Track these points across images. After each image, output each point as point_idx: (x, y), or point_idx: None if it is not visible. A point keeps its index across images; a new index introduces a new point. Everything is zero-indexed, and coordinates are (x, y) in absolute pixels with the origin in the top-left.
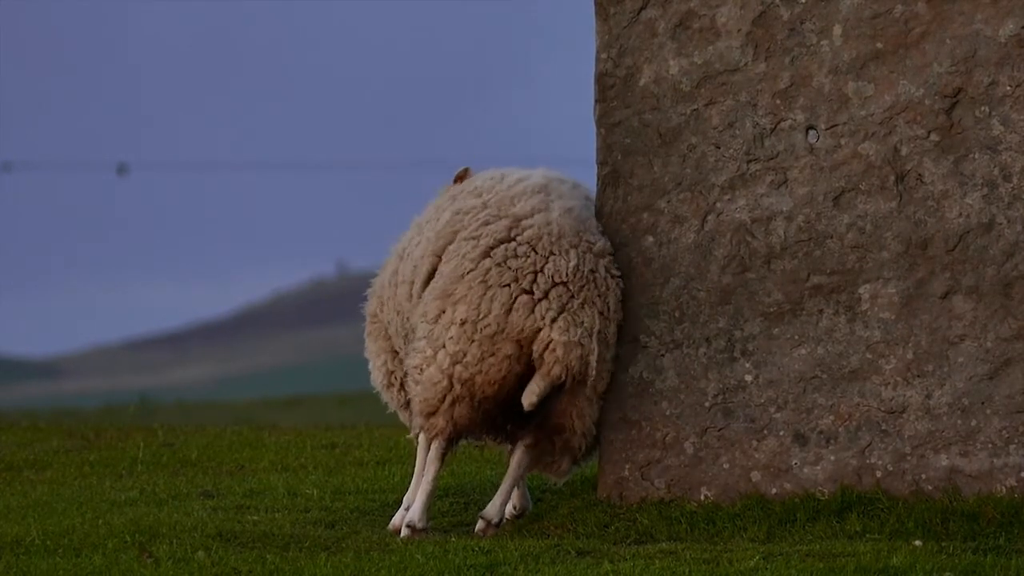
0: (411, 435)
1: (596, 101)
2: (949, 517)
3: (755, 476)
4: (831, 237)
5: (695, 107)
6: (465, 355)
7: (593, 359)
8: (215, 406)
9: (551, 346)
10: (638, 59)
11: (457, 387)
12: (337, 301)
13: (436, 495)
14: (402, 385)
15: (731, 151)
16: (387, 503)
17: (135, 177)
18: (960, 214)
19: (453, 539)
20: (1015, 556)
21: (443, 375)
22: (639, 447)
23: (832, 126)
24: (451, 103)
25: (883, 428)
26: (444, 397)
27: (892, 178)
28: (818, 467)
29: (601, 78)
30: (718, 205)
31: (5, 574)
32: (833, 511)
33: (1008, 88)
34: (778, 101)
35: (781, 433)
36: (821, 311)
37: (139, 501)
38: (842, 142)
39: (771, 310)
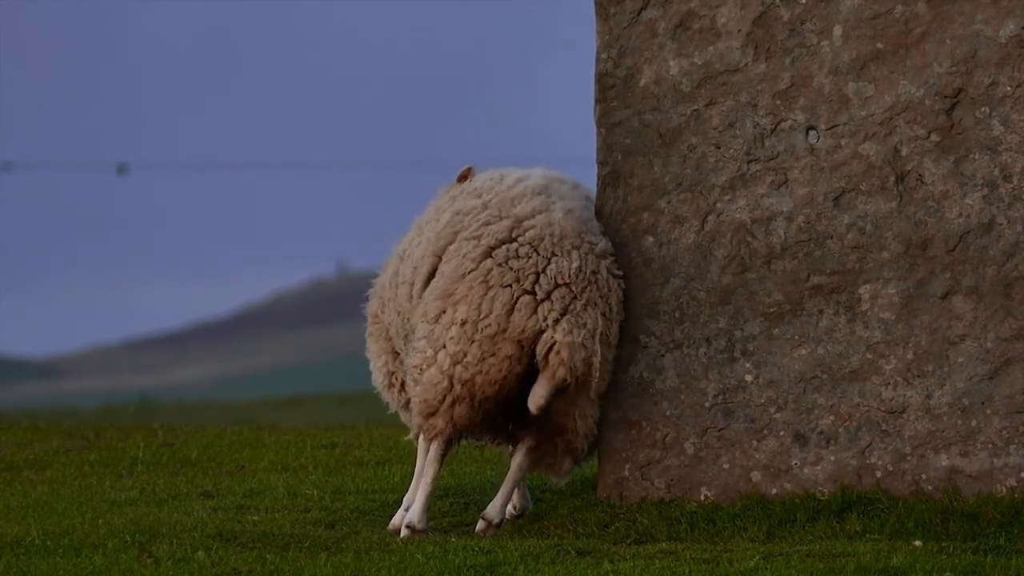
0: (410, 436)
1: (596, 101)
2: (949, 517)
3: (755, 476)
4: (831, 237)
5: (695, 107)
6: (465, 355)
7: (596, 360)
8: (215, 406)
9: (555, 348)
10: (638, 59)
11: (457, 387)
12: (337, 301)
13: (436, 495)
14: (403, 386)
15: (731, 151)
16: (387, 503)
17: (135, 177)
18: (960, 214)
19: (453, 539)
20: (1015, 556)
21: (443, 375)
22: (639, 447)
23: (832, 126)
24: (451, 103)
25: (883, 428)
26: (444, 397)
27: (892, 178)
28: (818, 467)
29: (601, 78)
30: (718, 205)
31: (5, 574)
32: (833, 511)
33: (1008, 88)
34: (778, 101)
35: (781, 433)
36: (821, 311)
37: (139, 501)
38: (842, 142)
39: (771, 310)
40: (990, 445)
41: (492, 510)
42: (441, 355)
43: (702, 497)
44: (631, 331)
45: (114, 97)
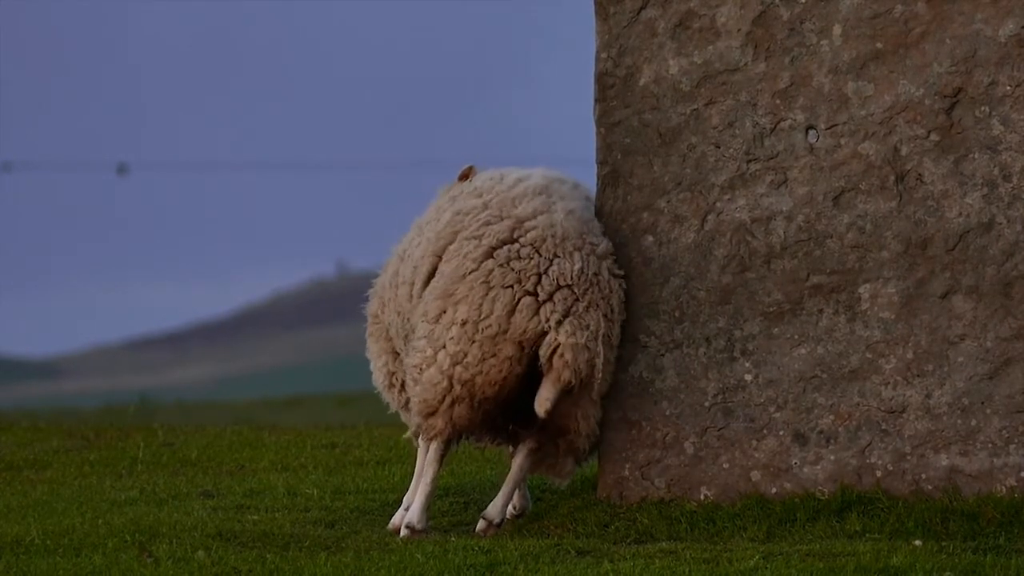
0: (409, 435)
1: (596, 101)
2: (949, 517)
3: (755, 476)
4: (831, 237)
5: (695, 107)
6: (466, 356)
7: (599, 362)
8: (215, 406)
9: (559, 350)
10: (638, 59)
11: (457, 388)
12: (337, 301)
13: (435, 495)
14: (403, 386)
15: (731, 151)
16: (387, 503)
17: (135, 177)
18: (960, 214)
19: (453, 539)
20: (1015, 556)
21: (443, 376)
22: (639, 447)
23: (832, 126)
24: (451, 103)
25: (883, 428)
26: (444, 398)
27: (892, 178)
28: (818, 467)
29: (601, 78)
30: (718, 205)
31: (5, 574)
32: (833, 511)
33: (1008, 88)
34: (778, 101)
35: (781, 433)
36: (821, 311)
37: (139, 501)
38: (842, 142)
39: (771, 310)
40: (990, 445)
41: (493, 510)
42: (441, 355)
43: (702, 497)
44: (631, 331)
45: (114, 97)
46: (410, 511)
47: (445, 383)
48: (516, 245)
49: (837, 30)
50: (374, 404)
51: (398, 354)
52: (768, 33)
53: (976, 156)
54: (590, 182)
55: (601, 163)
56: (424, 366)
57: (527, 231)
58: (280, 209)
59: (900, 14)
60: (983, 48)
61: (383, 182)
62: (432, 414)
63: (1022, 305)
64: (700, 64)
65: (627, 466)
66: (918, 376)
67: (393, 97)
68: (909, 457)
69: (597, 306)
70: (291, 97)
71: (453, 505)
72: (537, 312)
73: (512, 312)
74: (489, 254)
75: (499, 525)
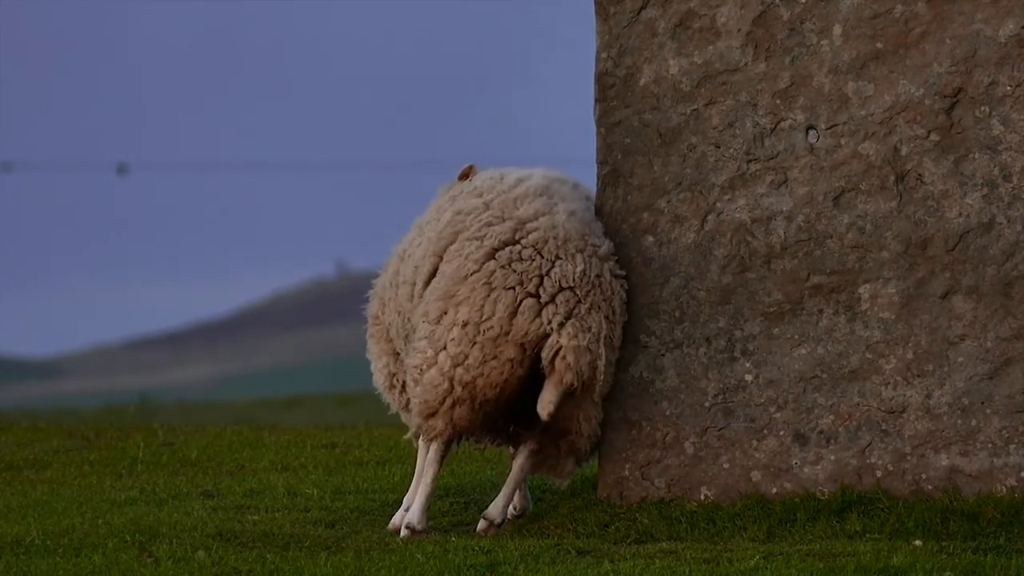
0: (409, 435)
1: (596, 101)
2: (949, 517)
3: (755, 476)
4: (831, 237)
5: (695, 107)
6: (467, 357)
7: (600, 364)
8: (215, 406)
9: (562, 353)
10: (638, 59)
11: (458, 389)
12: (337, 301)
13: (435, 496)
14: (404, 387)
15: (731, 151)
16: (387, 503)
17: (135, 177)
18: (960, 214)
19: (453, 539)
20: (1015, 556)
21: (443, 377)
22: (639, 447)
23: (832, 126)
24: (451, 103)
25: (883, 428)
26: (444, 399)
27: (892, 178)
28: (818, 467)
29: (601, 78)
30: (718, 205)
31: (5, 574)
32: (833, 511)
33: (1008, 88)
34: (778, 101)
35: (781, 433)
36: (821, 311)
37: (139, 501)
38: (842, 142)
39: (771, 310)
40: (990, 445)
41: (494, 510)
42: (442, 356)
43: (702, 497)
44: (631, 331)
45: (114, 97)
46: (410, 511)
47: (446, 385)
48: (518, 246)
49: (837, 30)
50: (374, 404)
51: (399, 355)
52: (768, 33)
53: (976, 156)
54: (590, 182)
55: (601, 163)
56: (425, 367)
57: (529, 232)
58: (280, 209)
59: (900, 14)
60: (983, 48)
61: (383, 182)
62: (432, 415)
63: (1022, 305)
64: (700, 64)
65: (627, 466)
66: (918, 376)
67: (393, 97)
68: (909, 457)
69: (599, 308)
70: (291, 97)
71: (453, 505)
72: (539, 314)
73: (514, 314)
74: (491, 255)
75: (500, 525)
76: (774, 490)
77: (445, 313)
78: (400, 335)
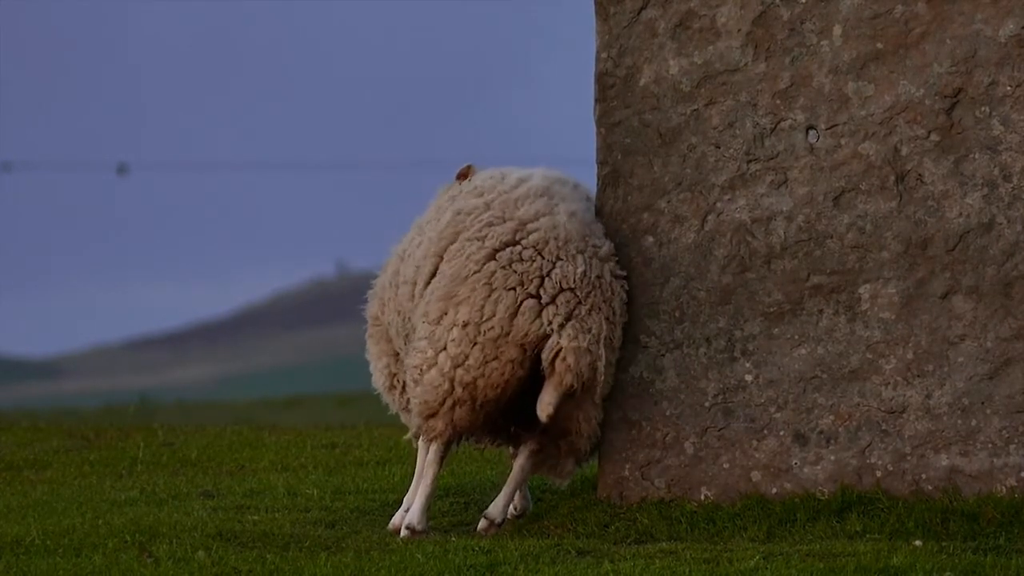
0: (409, 436)
1: (596, 101)
2: (949, 517)
3: (755, 476)
4: (831, 237)
5: (695, 107)
6: (467, 358)
7: (601, 365)
8: (215, 406)
9: (562, 354)
10: (638, 59)
11: (458, 390)
12: (337, 301)
13: (435, 496)
14: (404, 387)
15: (731, 151)
16: (387, 503)
17: (135, 177)
18: (960, 214)
19: (453, 539)
20: (1015, 556)
21: (444, 378)
22: (639, 447)
23: (832, 126)
24: (451, 103)
25: (883, 428)
26: (444, 400)
27: (892, 178)
28: (818, 467)
29: (601, 78)
30: (718, 205)
31: (5, 574)
32: (833, 511)
33: (1008, 88)
34: (778, 101)
35: (781, 433)
36: (821, 311)
37: (139, 501)
38: (842, 142)
39: (771, 310)
40: (990, 445)
41: (495, 510)
42: (442, 357)
43: (702, 497)
44: (631, 331)
45: (114, 97)
46: (410, 512)
47: (446, 385)
48: (519, 247)
49: (837, 30)
50: (374, 404)
51: (399, 356)
52: (768, 33)
53: (976, 156)
54: (590, 182)
55: (601, 163)
56: (425, 367)
57: (530, 233)
58: (280, 209)
59: (900, 14)
60: (983, 48)
61: (383, 182)
62: (433, 416)
63: (1022, 305)
64: (700, 64)
65: (627, 466)
66: (918, 376)
67: (393, 97)
68: (909, 457)
69: (599, 309)
70: (291, 97)
71: (453, 505)
72: (539, 315)
73: (514, 314)
74: (491, 256)
75: (500, 525)
76: (774, 490)
77: (445, 313)
78: (400, 335)
